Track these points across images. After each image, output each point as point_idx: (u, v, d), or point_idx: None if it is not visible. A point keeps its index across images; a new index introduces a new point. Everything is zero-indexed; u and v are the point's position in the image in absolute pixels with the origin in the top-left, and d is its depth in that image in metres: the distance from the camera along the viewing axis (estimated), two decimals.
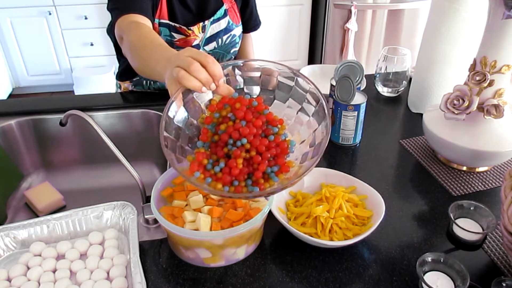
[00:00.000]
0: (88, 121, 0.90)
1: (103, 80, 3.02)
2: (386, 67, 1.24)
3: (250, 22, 1.33)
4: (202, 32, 1.18)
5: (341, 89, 0.97)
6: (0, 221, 1.02)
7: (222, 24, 1.20)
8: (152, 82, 1.29)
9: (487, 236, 0.77)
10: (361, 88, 1.07)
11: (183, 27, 1.13)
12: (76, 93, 3.06)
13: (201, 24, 1.16)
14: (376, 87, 1.28)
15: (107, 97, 1.28)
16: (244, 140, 0.62)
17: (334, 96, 0.99)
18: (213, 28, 1.19)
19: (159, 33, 1.12)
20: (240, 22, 1.27)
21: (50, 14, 2.89)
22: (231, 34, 1.24)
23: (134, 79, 1.30)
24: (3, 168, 1.11)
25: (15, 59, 3.04)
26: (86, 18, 2.92)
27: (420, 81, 1.13)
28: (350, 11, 2.44)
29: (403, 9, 2.50)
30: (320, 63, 2.94)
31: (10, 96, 3.16)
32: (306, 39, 3.09)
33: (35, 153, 1.22)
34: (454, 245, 0.76)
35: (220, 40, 1.22)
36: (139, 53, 0.85)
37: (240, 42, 1.30)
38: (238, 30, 1.26)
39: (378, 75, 1.26)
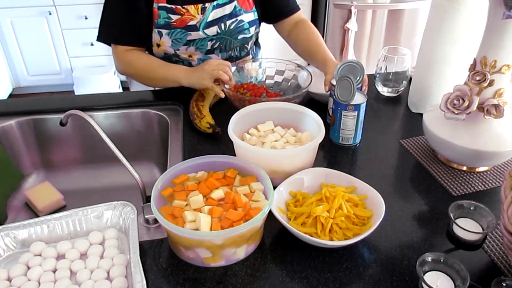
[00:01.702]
0: (88, 121, 0.90)
1: (103, 80, 3.02)
2: (386, 67, 1.24)
3: (282, 6, 1.28)
4: (201, 13, 1.16)
5: (341, 89, 0.97)
6: (1, 221, 1.02)
7: (227, 9, 1.19)
8: None
9: (487, 236, 0.77)
10: (363, 88, 1.07)
11: (178, 6, 1.14)
12: (76, 93, 3.06)
13: (200, 5, 1.15)
14: (376, 87, 1.28)
15: (107, 97, 1.28)
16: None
17: (334, 96, 0.99)
18: (216, 13, 1.17)
19: (158, 16, 1.14)
20: (253, 8, 1.23)
21: (50, 14, 2.89)
22: (237, 19, 1.21)
23: None
24: (3, 168, 1.11)
25: (15, 59, 3.04)
26: (86, 18, 2.92)
27: (420, 81, 1.13)
28: (350, 11, 2.44)
29: (403, 9, 2.49)
30: None
31: (10, 96, 3.16)
32: None
33: (35, 153, 1.22)
34: (454, 245, 0.76)
35: (223, 24, 1.20)
36: (149, 76, 1.20)
37: (251, 29, 1.25)
38: (247, 16, 1.22)
39: (378, 75, 1.26)
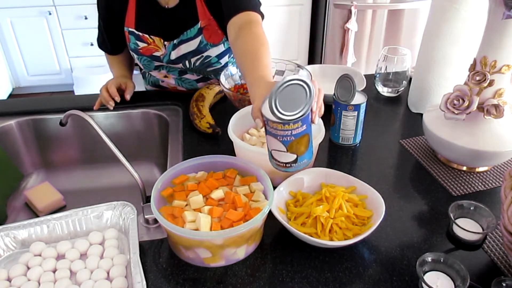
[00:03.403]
0: (88, 121, 0.90)
1: (103, 80, 2.98)
2: (386, 67, 1.24)
3: (227, 7, 1.01)
4: (164, 48, 1.15)
5: (341, 89, 0.97)
6: (0, 221, 1.02)
7: (192, 45, 1.13)
8: (150, 76, 1.32)
9: (487, 236, 0.77)
10: (313, 116, 0.73)
11: (145, 35, 1.14)
12: (76, 93, 3.06)
13: (162, 39, 1.14)
14: (376, 87, 1.28)
15: None
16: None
17: (334, 96, 0.99)
18: (180, 49, 1.14)
19: (129, 40, 1.17)
20: (223, 39, 1.14)
21: (50, 14, 2.89)
22: (202, 56, 1.15)
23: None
24: (3, 168, 1.11)
25: (15, 59, 3.04)
26: (86, 18, 2.92)
27: (420, 81, 1.13)
28: (350, 11, 2.44)
29: (403, 9, 2.50)
30: (320, 63, 2.94)
31: (10, 96, 3.16)
32: (306, 39, 3.08)
33: (35, 153, 1.22)
34: (454, 245, 0.76)
35: (187, 62, 1.16)
36: None
37: (221, 60, 1.19)
38: (215, 50, 1.15)
39: (378, 75, 1.26)
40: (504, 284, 0.62)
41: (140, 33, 1.14)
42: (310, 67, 1.23)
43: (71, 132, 1.21)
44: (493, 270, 0.72)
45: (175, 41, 1.13)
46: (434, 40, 1.05)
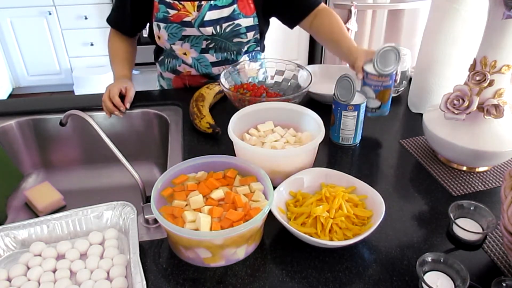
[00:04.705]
0: (88, 121, 0.90)
1: (103, 80, 3.02)
2: None
3: (304, 6, 1.22)
4: (197, 11, 1.16)
5: (341, 89, 0.97)
6: (1, 221, 1.02)
7: (225, 12, 1.18)
8: (169, 61, 1.34)
9: (487, 236, 0.77)
10: (397, 78, 1.05)
11: (175, 1, 1.15)
12: (76, 93, 3.06)
13: (196, 2, 1.15)
14: None
15: None
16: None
17: (334, 96, 0.99)
18: (213, 13, 1.17)
19: (158, 10, 1.18)
20: (254, 13, 1.21)
21: (50, 14, 2.89)
22: (234, 23, 1.20)
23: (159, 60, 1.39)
24: (3, 168, 1.11)
25: (15, 59, 3.04)
26: (86, 18, 2.92)
27: (420, 81, 1.13)
28: (350, 11, 2.44)
29: (403, 9, 2.49)
30: (320, 63, 2.94)
31: (10, 96, 3.16)
32: (306, 39, 3.08)
33: (35, 153, 1.22)
34: (454, 245, 0.76)
35: (218, 26, 1.19)
36: (110, 59, 1.31)
37: (248, 34, 1.23)
38: (246, 21, 1.20)
39: None
40: (504, 284, 0.62)
41: (171, 1, 1.16)
42: (310, 67, 1.23)
43: (71, 132, 1.21)
44: (493, 270, 0.72)
45: (212, 2, 1.16)
46: (434, 40, 1.05)
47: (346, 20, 2.48)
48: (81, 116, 0.94)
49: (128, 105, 1.17)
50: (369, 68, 0.99)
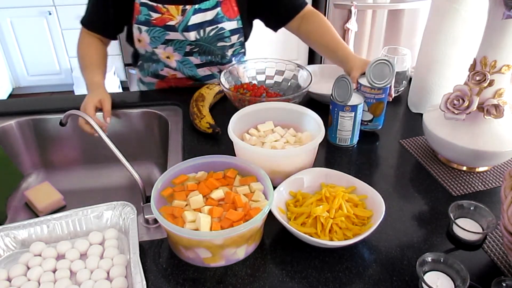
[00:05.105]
0: (88, 121, 0.90)
1: None
2: None
3: (288, 9, 1.22)
4: (181, 15, 1.14)
5: (338, 90, 0.97)
6: (1, 221, 1.02)
7: (209, 15, 1.15)
8: (149, 66, 1.30)
9: (487, 236, 0.77)
10: (391, 93, 1.02)
11: (159, 5, 1.13)
12: (76, 93, 3.06)
13: (180, 6, 1.13)
14: None
15: None
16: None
17: (331, 97, 0.99)
18: (197, 17, 1.15)
19: (139, 12, 1.14)
20: (238, 17, 1.19)
21: (50, 14, 2.89)
22: (217, 27, 1.17)
23: (139, 64, 1.35)
24: (3, 168, 1.11)
25: (15, 59, 3.04)
26: None
27: (420, 81, 1.13)
28: (350, 11, 2.44)
29: (403, 9, 2.49)
30: (320, 63, 2.93)
31: (10, 96, 3.16)
32: None
33: (35, 153, 1.22)
34: (454, 245, 0.76)
35: (202, 31, 1.17)
36: (80, 65, 1.20)
37: (232, 37, 1.21)
38: (229, 25, 1.18)
39: None
40: (504, 284, 0.62)
41: (155, 4, 1.13)
42: (310, 67, 1.23)
43: (71, 132, 1.21)
44: (493, 270, 0.72)
45: (196, 6, 1.14)
46: (434, 40, 1.05)
47: (346, 20, 2.49)
48: (81, 116, 0.94)
49: (109, 120, 1.10)
50: (362, 79, 1.00)
